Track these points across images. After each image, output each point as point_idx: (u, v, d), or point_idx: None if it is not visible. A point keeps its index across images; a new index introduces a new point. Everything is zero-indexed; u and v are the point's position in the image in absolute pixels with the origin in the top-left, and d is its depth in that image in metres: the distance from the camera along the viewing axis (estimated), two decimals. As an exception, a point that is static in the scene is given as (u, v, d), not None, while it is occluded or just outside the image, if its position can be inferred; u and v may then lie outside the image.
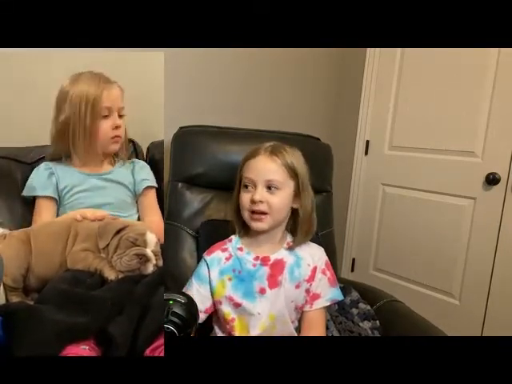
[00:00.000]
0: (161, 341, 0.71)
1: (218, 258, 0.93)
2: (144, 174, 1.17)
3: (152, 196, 1.17)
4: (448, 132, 1.73)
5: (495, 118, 1.59)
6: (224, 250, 0.94)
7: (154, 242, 0.90)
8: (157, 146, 1.29)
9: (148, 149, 1.31)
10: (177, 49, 1.27)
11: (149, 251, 0.88)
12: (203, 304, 0.90)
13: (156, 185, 1.18)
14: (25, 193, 1.08)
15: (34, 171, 1.09)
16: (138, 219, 1.13)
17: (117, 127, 1.07)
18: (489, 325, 1.65)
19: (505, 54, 1.55)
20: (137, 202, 1.15)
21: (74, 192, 1.07)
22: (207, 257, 0.94)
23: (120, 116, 1.08)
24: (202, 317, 0.90)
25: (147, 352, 0.70)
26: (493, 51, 1.58)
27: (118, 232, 0.89)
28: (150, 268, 0.88)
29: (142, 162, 1.21)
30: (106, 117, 1.06)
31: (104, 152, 1.11)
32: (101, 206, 1.03)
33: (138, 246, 0.88)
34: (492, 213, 1.62)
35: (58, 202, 1.07)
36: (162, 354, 0.69)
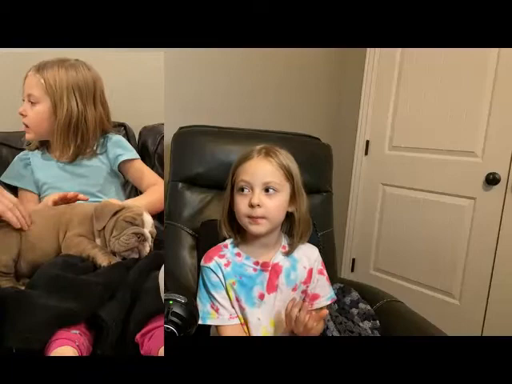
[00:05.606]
0: (151, 325, 0.70)
1: (218, 263, 0.90)
2: (118, 149, 1.12)
3: (135, 166, 1.13)
4: (448, 132, 1.73)
5: (495, 118, 1.59)
6: (221, 257, 0.91)
7: (151, 223, 0.91)
8: (149, 131, 1.27)
9: (140, 133, 1.29)
10: (177, 49, 1.27)
11: (146, 231, 0.89)
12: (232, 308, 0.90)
13: (135, 156, 1.14)
14: (1, 178, 1.07)
15: (15, 158, 1.09)
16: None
17: (20, 114, 1.05)
18: (489, 325, 1.65)
19: (505, 54, 1.55)
20: (125, 179, 1.12)
21: (51, 183, 1.05)
22: (209, 264, 0.90)
23: (31, 102, 1.04)
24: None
25: (138, 336, 0.70)
26: (493, 51, 1.58)
27: (115, 214, 0.89)
28: (147, 248, 0.89)
29: (115, 137, 1.14)
30: (23, 102, 1.05)
31: None
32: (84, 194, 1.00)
33: (137, 225, 0.88)
34: (492, 213, 1.62)
35: (38, 192, 1.05)
36: (153, 339, 0.69)
